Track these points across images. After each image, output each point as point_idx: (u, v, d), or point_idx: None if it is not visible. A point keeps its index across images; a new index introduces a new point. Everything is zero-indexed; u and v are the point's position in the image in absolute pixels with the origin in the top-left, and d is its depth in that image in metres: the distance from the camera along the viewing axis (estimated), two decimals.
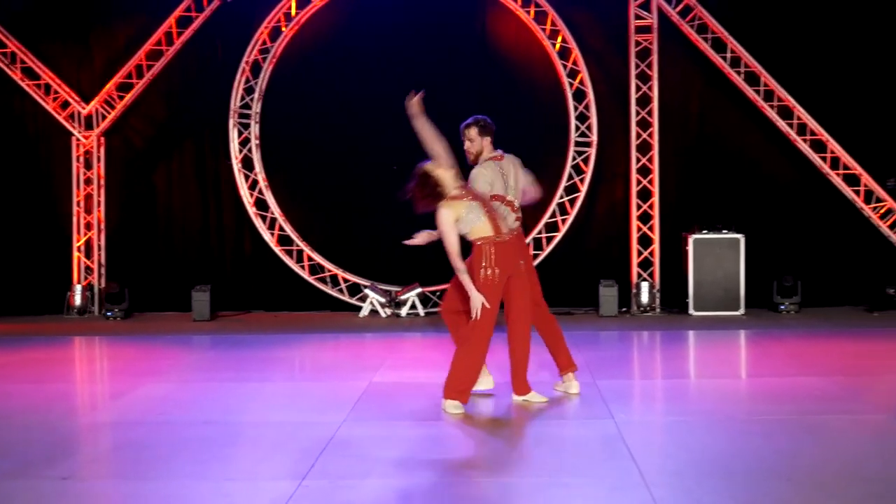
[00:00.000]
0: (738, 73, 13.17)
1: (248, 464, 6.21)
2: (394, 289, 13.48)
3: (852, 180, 13.20)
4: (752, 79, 13.17)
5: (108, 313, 13.45)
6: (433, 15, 13.66)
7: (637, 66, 13.31)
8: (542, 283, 13.41)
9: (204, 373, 9.58)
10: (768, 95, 13.16)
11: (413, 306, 13.32)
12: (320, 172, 13.74)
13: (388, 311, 13.28)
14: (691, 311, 12.95)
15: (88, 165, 13.85)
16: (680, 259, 13.26)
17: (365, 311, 13.29)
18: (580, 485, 5.54)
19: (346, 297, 13.61)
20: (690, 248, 12.93)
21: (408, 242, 7.93)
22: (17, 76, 13.67)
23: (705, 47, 13.20)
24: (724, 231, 12.98)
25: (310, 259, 13.60)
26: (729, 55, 13.17)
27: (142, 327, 12.76)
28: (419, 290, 13.29)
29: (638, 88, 13.32)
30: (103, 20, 13.95)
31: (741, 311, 12.92)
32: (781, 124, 13.13)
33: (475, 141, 8.03)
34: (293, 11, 13.51)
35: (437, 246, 14.00)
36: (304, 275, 13.59)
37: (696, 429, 6.81)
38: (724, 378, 8.93)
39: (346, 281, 13.60)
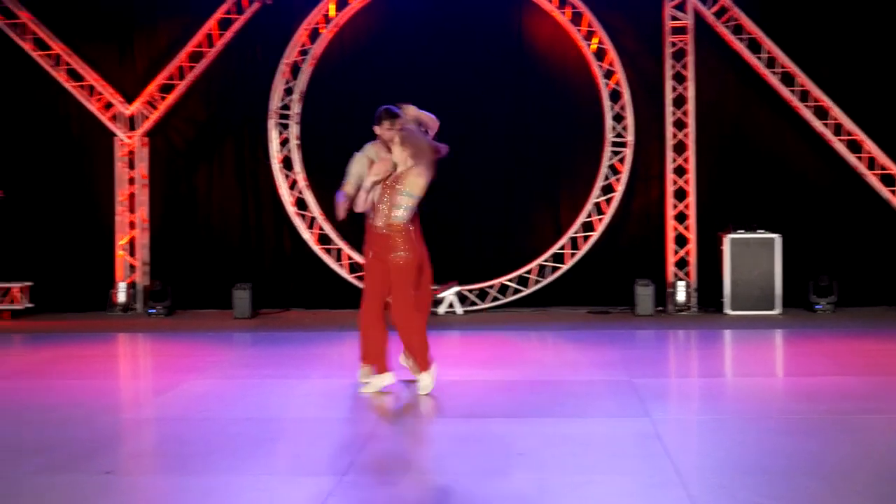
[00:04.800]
0: (774, 73, 13.16)
1: (288, 459, 6.31)
2: (431, 287, 13.54)
3: (888, 180, 13.17)
4: (787, 79, 13.16)
5: (151, 311, 13.62)
6: (470, 16, 13.73)
7: (672, 67, 13.34)
8: (579, 283, 13.58)
9: (244, 369, 9.70)
10: (804, 96, 13.15)
11: (451, 305, 13.40)
12: None
13: None
14: (727, 310, 12.96)
15: (131, 165, 14.03)
16: (716, 259, 13.27)
17: (442, 309, 13.33)
18: (616, 482, 5.61)
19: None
20: (726, 247, 12.94)
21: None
22: (61, 78, 13.85)
23: (741, 48, 13.21)
24: (760, 231, 12.98)
25: (349, 258, 13.72)
26: (764, 56, 13.17)
27: (184, 324, 12.91)
28: (457, 288, 13.37)
29: (673, 89, 13.35)
30: (146, 22, 14.10)
31: (777, 310, 12.91)
32: (817, 124, 13.12)
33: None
34: (332, 13, 13.62)
35: (476, 246, 14.15)
36: (344, 273, 13.69)
37: (732, 427, 6.86)
38: (759, 377, 8.96)
39: None
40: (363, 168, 8.11)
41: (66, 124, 14.23)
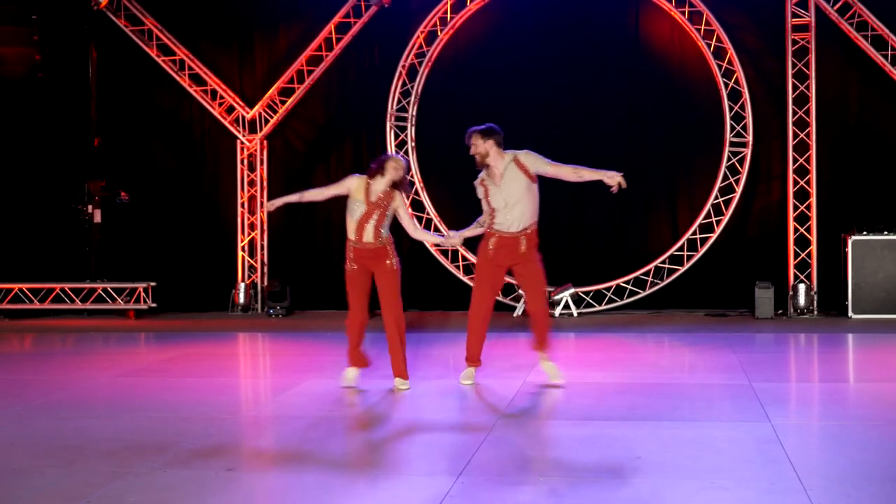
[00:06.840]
0: None
1: (406, 459, 6.35)
2: (547, 289, 13.52)
3: None
4: None
5: (271, 311, 13.86)
6: (587, 16, 13.70)
7: (794, 66, 13.10)
8: (697, 285, 13.39)
9: (361, 369, 9.76)
10: None
11: (566, 306, 13.36)
12: (475, 173, 13.86)
13: None
14: (850, 314, 12.69)
15: (252, 168, 14.29)
16: (838, 261, 12.99)
17: (519, 311, 13.38)
18: (736, 487, 5.52)
19: (500, 297, 13.71)
20: (850, 249, 12.67)
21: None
22: (185, 82, 14.19)
23: (865, 45, 12.91)
24: (886, 232, 12.68)
25: (464, 259, 13.76)
26: (890, 53, 12.86)
27: (303, 324, 13.09)
28: (572, 290, 13.33)
29: (795, 88, 13.11)
30: (265, 27, 14.38)
31: None
32: None
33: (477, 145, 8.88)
34: (448, 16, 13.70)
35: (591, 247, 14.03)
36: (459, 275, 13.75)
37: (856, 433, 6.71)
38: (884, 382, 8.72)
39: None
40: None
41: (188, 128, 14.57)
